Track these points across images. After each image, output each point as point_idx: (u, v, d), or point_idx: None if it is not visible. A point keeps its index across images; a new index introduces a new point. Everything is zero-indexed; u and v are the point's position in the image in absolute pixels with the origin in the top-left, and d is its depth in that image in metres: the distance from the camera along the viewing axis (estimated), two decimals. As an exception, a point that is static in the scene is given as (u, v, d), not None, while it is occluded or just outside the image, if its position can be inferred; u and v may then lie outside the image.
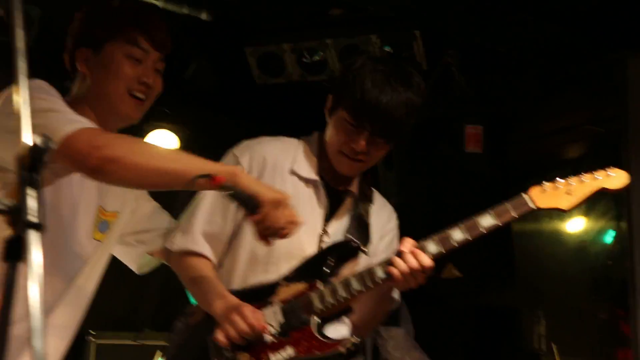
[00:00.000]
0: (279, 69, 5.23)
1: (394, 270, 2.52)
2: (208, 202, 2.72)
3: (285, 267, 2.68)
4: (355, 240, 2.72)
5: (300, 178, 2.77)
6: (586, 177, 2.51)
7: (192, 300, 3.63)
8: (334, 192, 2.80)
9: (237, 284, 2.70)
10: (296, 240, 2.59)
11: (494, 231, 2.54)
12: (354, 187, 2.85)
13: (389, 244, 2.85)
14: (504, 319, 6.15)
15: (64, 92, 2.50)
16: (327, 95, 2.80)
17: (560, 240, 5.78)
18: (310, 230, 2.71)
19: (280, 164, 2.77)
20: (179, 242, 2.72)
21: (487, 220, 2.53)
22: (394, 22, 4.88)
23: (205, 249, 2.71)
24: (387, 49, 4.98)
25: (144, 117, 5.34)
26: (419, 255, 2.51)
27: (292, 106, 5.67)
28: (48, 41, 4.95)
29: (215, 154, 2.91)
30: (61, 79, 5.47)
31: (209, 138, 5.61)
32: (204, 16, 4.65)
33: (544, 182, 2.52)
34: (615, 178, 2.49)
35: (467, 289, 4.62)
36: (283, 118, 5.68)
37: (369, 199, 2.88)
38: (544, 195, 2.52)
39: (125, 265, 5.59)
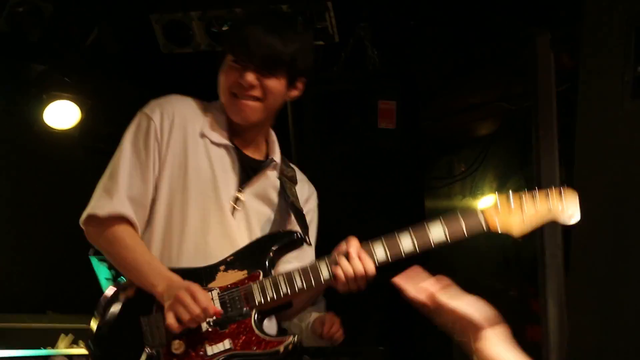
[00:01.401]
0: (186, 38, 5.06)
1: (339, 273, 2.48)
2: (126, 162, 2.60)
3: (201, 237, 2.59)
4: (299, 232, 2.65)
5: (212, 142, 2.68)
6: (541, 204, 2.45)
7: (103, 283, 3.42)
8: (249, 160, 2.72)
9: (160, 257, 2.58)
10: (213, 207, 2.58)
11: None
12: (276, 156, 2.78)
13: (309, 223, 2.77)
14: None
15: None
16: None
17: (472, 217, 5.79)
18: (225, 196, 2.64)
19: (190, 125, 2.66)
20: (107, 206, 2.56)
21: (438, 235, 2.52)
22: (306, -8, 4.76)
23: (132, 214, 2.58)
24: (300, 20, 4.86)
25: (43, 87, 5.19)
26: (365, 261, 2.49)
27: (199, 76, 5.49)
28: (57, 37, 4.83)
29: (119, 125, 2.77)
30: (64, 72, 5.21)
31: (112, 109, 5.42)
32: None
33: (497, 197, 2.46)
34: (568, 213, 2.44)
35: (379, 267, 4.57)
36: (190, 88, 5.50)
37: (292, 179, 2.81)
38: (497, 216, 2.48)
39: (26, 244, 5.34)
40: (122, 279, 2.63)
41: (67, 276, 5.38)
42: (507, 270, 5.81)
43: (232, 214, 2.64)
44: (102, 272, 4.24)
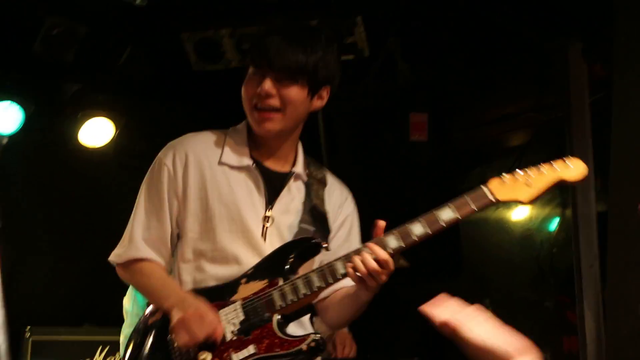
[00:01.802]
0: (217, 55, 5.10)
1: (350, 270, 2.48)
2: (141, 209, 2.71)
3: (237, 260, 2.64)
4: (316, 237, 2.67)
5: (231, 167, 2.71)
6: (545, 168, 2.48)
7: (139, 296, 3.52)
8: (273, 174, 2.74)
9: (190, 284, 2.67)
10: (240, 229, 2.62)
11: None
12: (299, 168, 2.78)
13: (348, 231, 2.79)
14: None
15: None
16: None
17: (506, 228, 5.76)
18: (253, 217, 2.67)
19: (206, 158, 2.71)
20: (124, 254, 2.71)
21: (447, 214, 2.52)
22: (335, 7, 4.79)
23: (150, 254, 2.68)
24: (329, 35, 4.89)
25: (78, 105, 5.26)
26: (377, 252, 2.47)
27: (231, 93, 5.53)
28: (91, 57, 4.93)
29: (152, 142, 2.84)
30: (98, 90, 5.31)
31: (145, 126, 5.49)
32: (138, 1, 4.48)
33: (503, 174, 2.47)
34: (573, 169, 2.47)
35: (414, 279, 4.58)
36: (221, 105, 5.55)
37: (321, 182, 2.81)
38: (502, 187, 2.48)
39: (63, 259, 5.41)
40: None
41: (103, 289, 5.42)
42: (542, 282, 5.76)
43: (264, 234, 2.68)
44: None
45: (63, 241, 5.48)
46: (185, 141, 2.75)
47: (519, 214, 5.84)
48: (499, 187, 2.48)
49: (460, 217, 2.51)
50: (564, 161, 2.48)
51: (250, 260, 2.66)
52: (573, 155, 4.34)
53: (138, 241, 2.68)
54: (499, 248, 5.76)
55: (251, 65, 2.66)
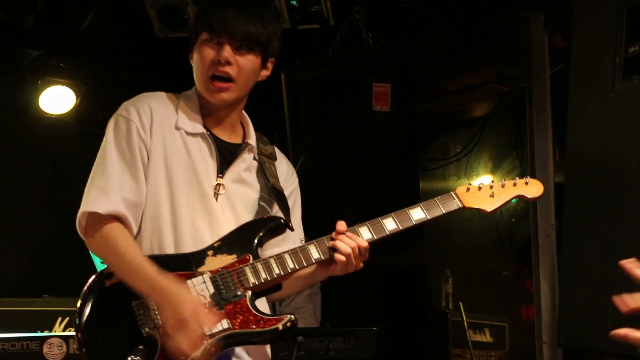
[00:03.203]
0: (180, 22, 5.04)
1: (338, 255, 2.59)
2: (111, 166, 2.62)
3: (189, 224, 2.63)
4: (284, 218, 2.72)
5: (187, 133, 2.71)
6: (507, 184, 2.75)
7: (99, 267, 3.45)
8: (224, 144, 2.75)
9: (146, 248, 2.62)
10: (197, 193, 2.64)
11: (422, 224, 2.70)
12: (252, 140, 2.81)
13: (292, 205, 2.84)
14: (413, 278, 6.18)
15: None
16: None
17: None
18: (207, 184, 2.68)
19: (166, 119, 2.70)
20: (106, 204, 2.57)
21: (417, 214, 2.68)
22: (302, -24, 4.76)
23: (128, 214, 2.61)
24: (293, 3, 4.86)
25: (39, 72, 5.18)
26: (356, 237, 2.61)
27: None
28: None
29: (114, 110, 2.79)
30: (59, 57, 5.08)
31: (107, 94, 5.43)
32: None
33: (469, 183, 2.75)
34: (532, 187, 2.76)
35: (375, 247, 4.60)
36: (185, 73, 5.51)
37: (270, 157, 2.85)
38: (468, 195, 2.73)
39: (22, 229, 5.34)
40: None
41: (62, 260, 5.39)
42: (501, 251, 5.84)
43: (216, 199, 2.68)
44: (100, 262, 4.27)
45: (22, 210, 5.42)
46: (145, 99, 2.72)
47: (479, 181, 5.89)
48: (465, 195, 2.72)
49: (429, 218, 2.69)
50: (525, 180, 2.76)
51: (206, 226, 2.65)
52: (533, 126, 4.49)
53: (117, 195, 2.58)
54: (460, 217, 5.82)
55: (205, 32, 2.65)
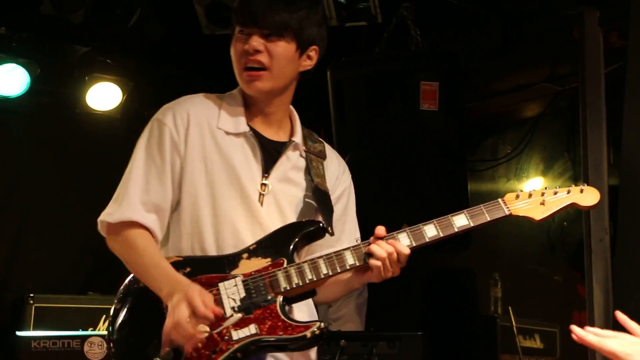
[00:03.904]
0: (228, 19, 4.98)
1: (373, 261, 2.51)
2: (139, 169, 2.61)
3: (231, 226, 2.59)
4: (321, 219, 2.65)
5: (228, 133, 2.67)
6: (560, 191, 2.60)
7: None
8: (269, 142, 2.71)
9: (188, 249, 2.60)
10: (239, 195, 2.59)
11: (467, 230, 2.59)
12: (297, 137, 2.76)
13: (345, 206, 2.80)
14: (460, 282, 6.08)
15: None
16: None
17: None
18: (251, 184, 2.64)
19: (205, 121, 2.67)
20: (117, 213, 2.58)
21: (461, 221, 2.57)
22: (349, -27, 4.69)
23: (146, 218, 2.58)
24: (342, 0, 4.81)
25: (86, 68, 5.20)
26: (395, 243, 2.52)
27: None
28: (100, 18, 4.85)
29: (160, 106, 2.77)
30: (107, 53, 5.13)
31: (153, 91, 5.43)
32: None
33: (520, 190, 2.62)
34: (587, 196, 2.59)
35: (421, 249, 4.52)
36: (231, 70, 5.49)
37: (319, 155, 2.79)
38: (517, 202, 2.59)
39: (67, 226, 5.38)
40: None
41: (108, 258, 5.41)
42: (552, 255, 5.70)
43: (261, 201, 2.64)
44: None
45: (69, 207, 5.45)
46: (184, 102, 2.70)
47: (531, 187, 5.77)
48: (514, 202, 2.58)
49: (473, 225, 2.57)
50: (580, 187, 2.59)
51: (248, 228, 2.62)
52: (586, 126, 4.36)
53: (135, 203, 2.57)
54: (509, 221, 5.70)
55: (237, 26, 2.64)
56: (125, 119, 5.46)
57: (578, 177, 5.28)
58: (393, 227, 4.68)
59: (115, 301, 2.56)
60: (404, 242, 2.54)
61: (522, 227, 5.64)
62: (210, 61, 5.54)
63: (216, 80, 5.51)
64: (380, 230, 2.56)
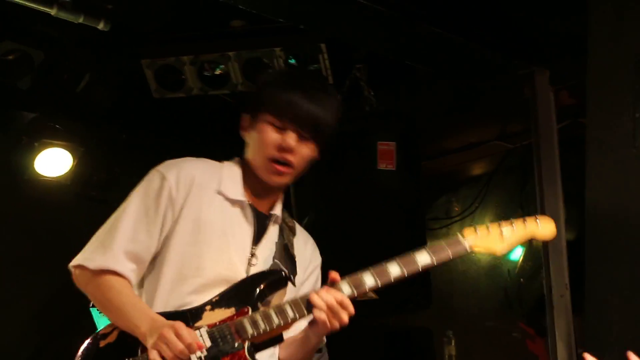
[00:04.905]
0: (178, 83, 5.02)
1: (316, 313, 2.52)
2: (131, 217, 2.62)
3: (214, 289, 2.61)
4: (285, 270, 2.68)
5: (227, 199, 2.71)
6: (517, 223, 2.62)
7: (99, 323, 3.46)
8: (260, 215, 2.76)
9: (160, 305, 2.60)
10: (226, 260, 2.62)
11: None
12: (278, 211, 2.82)
13: (316, 278, 2.88)
14: (417, 341, 6.05)
15: None
16: (233, 107, 2.81)
17: (473, 258, 5.72)
18: (240, 252, 2.67)
19: (207, 184, 2.70)
20: (99, 260, 2.58)
21: (423, 257, 2.61)
22: (299, 35, 4.74)
23: (126, 269, 2.59)
24: (291, 61, 4.84)
25: (34, 135, 5.10)
26: (332, 291, 2.54)
27: (192, 121, 5.47)
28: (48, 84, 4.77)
29: (112, 172, 2.75)
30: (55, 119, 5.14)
31: (104, 155, 5.36)
32: (101, 26, 4.37)
33: (476, 226, 2.64)
34: (544, 228, 2.64)
35: (382, 311, 4.51)
36: (183, 133, 5.46)
37: (291, 230, 2.86)
38: (477, 238, 2.62)
39: (17, 294, 5.19)
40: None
41: (56, 328, 5.27)
42: (510, 311, 5.72)
43: (247, 271, 2.67)
44: (102, 322, 4.15)
45: (17, 275, 5.30)
46: (189, 163, 2.74)
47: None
48: (473, 237, 2.61)
49: (435, 262, 2.60)
50: (535, 219, 2.62)
51: None
52: (542, 183, 4.42)
53: (118, 251, 2.58)
54: (466, 277, 5.73)
55: (269, 115, 2.66)
56: (75, 184, 5.36)
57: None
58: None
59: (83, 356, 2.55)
60: (344, 288, 2.54)
61: (479, 283, 5.68)
62: (160, 124, 5.53)
63: (167, 143, 5.49)
64: (333, 274, 2.57)
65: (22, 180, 5.23)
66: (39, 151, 5.18)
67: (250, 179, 2.73)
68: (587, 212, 3.17)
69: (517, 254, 5.50)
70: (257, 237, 2.71)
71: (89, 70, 5.03)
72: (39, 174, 5.21)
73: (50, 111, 5.19)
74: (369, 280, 2.56)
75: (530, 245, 5.39)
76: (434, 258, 2.58)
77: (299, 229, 2.90)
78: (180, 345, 2.40)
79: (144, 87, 5.03)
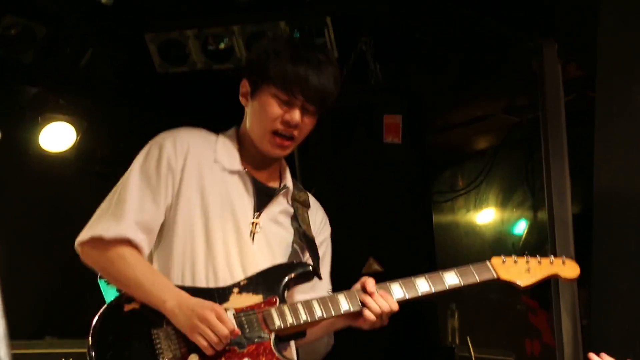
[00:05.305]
0: (181, 57, 4.98)
1: (367, 312, 2.52)
2: (136, 188, 2.57)
3: (224, 258, 2.57)
4: (313, 266, 2.65)
5: (224, 169, 2.67)
6: (543, 260, 2.72)
7: (107, 295, 3.41)
8: (261, 185, 2.70)
9: (177, 278, 2.55)
10: (233, 229, 2.58)
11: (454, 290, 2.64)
12: (289, 182, 2.76)
13: (323, 254, 2.80)
14: (422, 314, 6.08)
15: None
16: (237, 82, 2.72)
17: (477, 232, 5.73)
18: (244, 220, 2.63)
19: (204, 153, 2.66)
20: (113, 230, 2.51)
21: (451, 279, 2.64)
22: (304, 8, 4.70)
23: (140, 238, 2.54)
24: (296, 36, 4.81)
25: (38, 109, 5.08)
26: (388, 299, 2.54)
27: (196, 96, 5.44)
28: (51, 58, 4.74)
29: (115, 147, 2.72)
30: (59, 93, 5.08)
31: (107, 130, 5.35)
32: (104, 0, 4.34)
33: (502, 255, 2.72)
34: (568, 268, 2.72)
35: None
36: (186, 107, 5.44)
37: (304, 204, 2.80)
38: (503, 267, 2.69)
39: (23, 268, 5.17)
40: None
41: (65, 300, 5.28)
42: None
43: (252, 238, 2.63)
44: (111, 294, 4.16)
45: (23, 249, 5.30)
46: (184, 132, 2.69)
47: (489, 218, 5.81)
48: (500, 266, 2.69)
49: (463, 284, 2.63)
50: (562, 259, 2.72)
51: (240, 262, 2.59)
52: (548, 156, 4.41)
53: (130, 221, 2.52)
54: (470, 251, 5.73)
55: (275, 87, 2.59)
56: (79, 159, 5.35)
57: (537, 206, 5.34)
58: (360, 259, 4.64)
59: (95, 325, 2.47)
60: (396, 294, 2.56)
61: (484, 257, 5.67)
62: (164, 99, 5.51)
63: (170, 118, 5.46)
64: (370, 284, 2.56)
65: (27, 156, 5.22)
66: (43, 126, 5.16)
67: (248, 149, 2.69)
68: (596, 184, 3.16)
69: (522, 228, 5.51)
70: (258, 207, 2.65)
71: (92, 44, 4.99)
72: (43, 149, 5.20)
73: (53, 86, 5.16)
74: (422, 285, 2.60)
75: (535, 218, 5.40)
76: (461, 280, 2.62)
77: (312, 200, 2.84)
78: (225, 331, 2.37)
79: (147, 62, 4.99)
